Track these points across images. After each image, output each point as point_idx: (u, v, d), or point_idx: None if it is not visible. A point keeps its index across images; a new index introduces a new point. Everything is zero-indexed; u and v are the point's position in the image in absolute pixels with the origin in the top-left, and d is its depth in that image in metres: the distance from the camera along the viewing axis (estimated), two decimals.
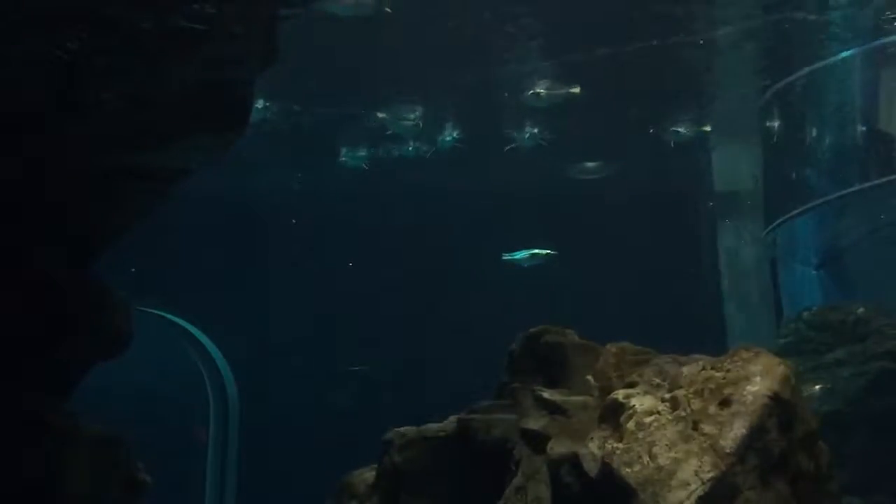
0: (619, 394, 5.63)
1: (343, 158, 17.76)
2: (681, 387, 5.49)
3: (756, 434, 5.17)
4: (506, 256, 17.57)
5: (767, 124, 16.40)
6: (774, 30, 13.87)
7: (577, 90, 15.40)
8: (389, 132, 16.78)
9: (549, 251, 17.46)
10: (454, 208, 17.83)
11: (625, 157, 17.69)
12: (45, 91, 5.87)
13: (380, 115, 16.21)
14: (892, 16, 13.06)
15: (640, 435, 5.29)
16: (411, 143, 17.42)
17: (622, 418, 5.45)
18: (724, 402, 5.27)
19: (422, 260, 17.70)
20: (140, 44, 5.67)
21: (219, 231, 16.88)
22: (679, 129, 16.95)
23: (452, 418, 7.17)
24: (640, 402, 5.49)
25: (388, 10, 12.31)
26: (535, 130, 17.01)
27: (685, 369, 5.64)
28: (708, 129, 17.07)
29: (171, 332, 18.34)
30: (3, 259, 6.44)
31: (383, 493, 7.27)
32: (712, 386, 5.39)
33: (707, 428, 5.19)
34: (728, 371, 5.44)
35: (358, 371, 18.46)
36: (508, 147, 17.16)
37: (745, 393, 5.28)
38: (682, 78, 15.54)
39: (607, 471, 5.27)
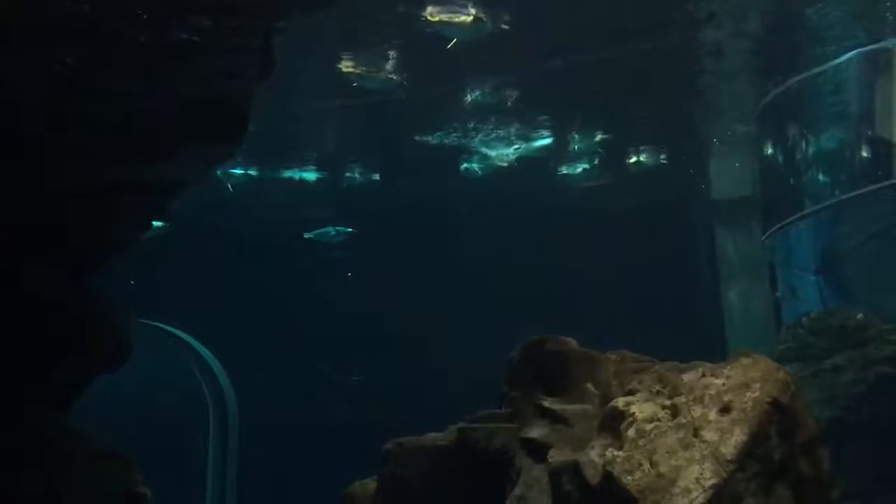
0: (620, 402, 5.63)
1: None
2: (681, 394, 5.49)
3: (757, 441, 5.17)
4: (307, 235, 17.62)
5: (764, 131, 16.42)
6: (772, 35, 13.87)
7: None
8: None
9: (350, 229, 17.56)
10: (454, 221, 17.86)
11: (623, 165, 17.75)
12: (43, 105, 5.88)
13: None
14: None
15: (641, 442, 5.29)
16: None
17: (622, 426, 5.45)
18: (725, 409, 5.27)
19: (419, 274, 17.70)
20: (138, 57, 5.69)
21: (217, 245, 16.89)
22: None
23: (452, 428, 7.15)
24: (641, 409, 5.48)
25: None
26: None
27: (685, 376, 5.64)
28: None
29: (171, 344, 18.35)
30: (2, 274, 6.44)
31: (384, 503, 7.26)
32: (712, 392, 5.39)
33: (708, 435, 5.19)
34: (728, 378, 5.44)
35: (356, 380, 18.46)
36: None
37: (745, 399, 5.28)
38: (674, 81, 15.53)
39: (608, 479, 5.26)
